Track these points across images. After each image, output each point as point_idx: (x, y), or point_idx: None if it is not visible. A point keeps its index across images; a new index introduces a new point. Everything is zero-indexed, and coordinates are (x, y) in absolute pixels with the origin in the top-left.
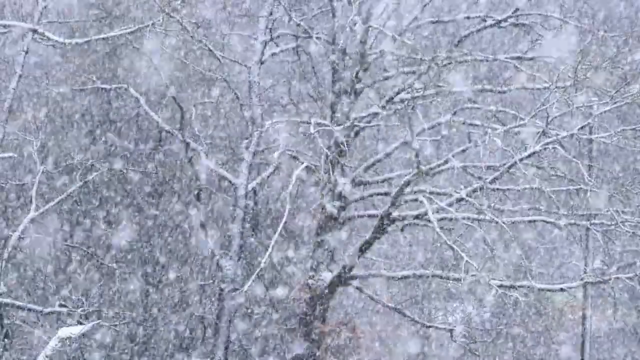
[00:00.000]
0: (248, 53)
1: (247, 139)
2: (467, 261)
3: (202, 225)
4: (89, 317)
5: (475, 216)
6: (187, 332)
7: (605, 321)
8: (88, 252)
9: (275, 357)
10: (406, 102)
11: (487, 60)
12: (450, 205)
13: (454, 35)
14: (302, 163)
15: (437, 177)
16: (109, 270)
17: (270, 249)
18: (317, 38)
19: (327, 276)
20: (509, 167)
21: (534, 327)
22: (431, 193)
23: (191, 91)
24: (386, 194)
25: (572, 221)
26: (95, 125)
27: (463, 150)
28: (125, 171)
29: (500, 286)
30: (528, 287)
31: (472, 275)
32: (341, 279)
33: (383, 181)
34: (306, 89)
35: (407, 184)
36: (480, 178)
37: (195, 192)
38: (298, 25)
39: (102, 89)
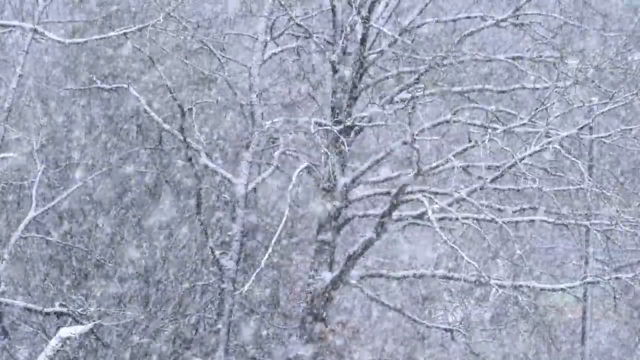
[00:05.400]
0: (248, 53)
1: (247, 139)
2: (467, 261)
3: (202, 225)
4: (89, 317)
5: (476, 216)
6: (187, 332)
7: (606, 321)
8: (88, 252)
9: (276, 357)
10: (406, 102)
11: (487, 60)
12: (450, 205)
13: (454, 35)
14: (303, 163)
15: (437, 176)
16: (109, 270)
17: (270, 249)
18: (317, 38)
19: (327, 276)
20: (509, 167)
21: (534, 327)
22: (431, 193)
23: (191, 91)
24: (387, 193)
25: (572, 221)
26: (95, 125)
27: (464, 150)
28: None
29: (501, 286)
30: (528, 287)
31: (473, 275)
32: (341, 279)
33: (383, 181)
34: (306, 89)
35: (408, 183)
36: (480, 178)
37: (195, 192)
38: (298, 25)
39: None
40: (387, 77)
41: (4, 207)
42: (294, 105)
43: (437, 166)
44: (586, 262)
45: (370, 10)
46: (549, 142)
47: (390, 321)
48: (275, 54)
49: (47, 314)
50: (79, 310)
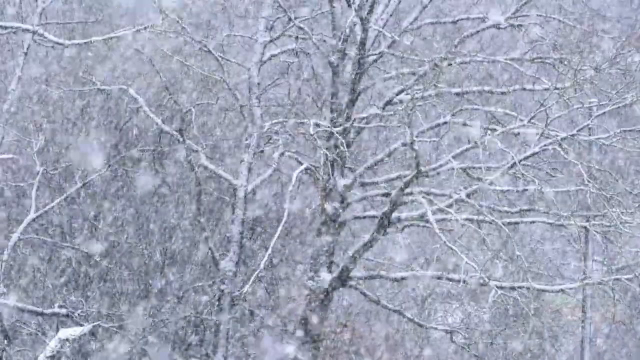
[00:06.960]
0: (248, 54)
1: (247, 139)
2: (466, 262)
3: (202, 227)
4: (89, 318)
5: (475, 217)
6: (187, 332)
7: (605, 321)
8: (87, 253)
9: (275, 358)
10: (406, 104)
11: (487, 62)
12: (449, 206)
13: (454, 36)
14: (302, 164)
15: (436, 177)
16: (108, 271)
17: (269, 250)
18: (316, 39)
19: (326, 277)
20: (509, 168)
21: (534, 328)
22: (430, 194)
23: (191, 92)
24: (386, 194)
25: (572, 222)
26: (95, 126)
27: (465, 150)
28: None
29: (500, 287)
30: (527, 288)
31: (472, 277)
32: (341, 280)
33: (383, 182)
34: (306, 90)
35: (407, 185)
36: (479, 179)
37: (195, 193)
38: (298, 27)
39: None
40: (386, 78)
41: (4, 208)
42: (294, 107)
43: (436, 167)
44: (586, 263)
45: (369, 12)
46: (549, 143)
47: (389, 322)
48: (274, 55)
49: (47, 315)
50: (79, 311)
